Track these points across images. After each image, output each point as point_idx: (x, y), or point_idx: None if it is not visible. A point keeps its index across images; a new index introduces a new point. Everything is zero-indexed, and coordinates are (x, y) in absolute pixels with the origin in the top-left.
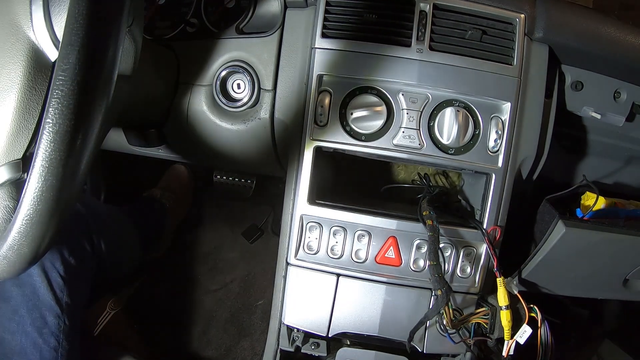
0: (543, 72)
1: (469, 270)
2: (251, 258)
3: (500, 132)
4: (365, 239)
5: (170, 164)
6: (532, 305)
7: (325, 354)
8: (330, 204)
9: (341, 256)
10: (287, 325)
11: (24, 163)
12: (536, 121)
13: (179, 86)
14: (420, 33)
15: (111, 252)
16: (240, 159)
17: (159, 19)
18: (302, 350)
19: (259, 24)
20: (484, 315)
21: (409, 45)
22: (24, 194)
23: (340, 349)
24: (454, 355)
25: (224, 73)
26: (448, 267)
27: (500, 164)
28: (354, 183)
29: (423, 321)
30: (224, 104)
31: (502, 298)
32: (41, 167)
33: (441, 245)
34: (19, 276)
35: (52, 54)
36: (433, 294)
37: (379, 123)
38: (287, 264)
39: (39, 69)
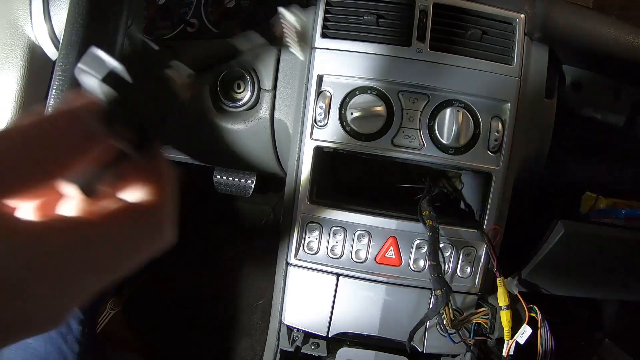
0: (543, 72)
1: (469, 270)
2: (251, 258)
3: (500, 132)
4: (365, 239)
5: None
6: (532, 305)
7: (325, 354)
8: (330, 204)
9: (341, 256)
10: (287, 325)
11: None
12: (536, 121)
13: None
14: (420, 33)
15: None
16: (240, 159)
17: (159, 19)
18: (302, 350)
19: (259, 24)
20: (484, 315)
21: (409, 45)
22: None
23: (340, 349)
24: (454, 355)
25: (224, 73)
26: (448, 267)
27: (500, 164)
28: (354, 183)
29: (423, 321)
30: (224, 104)
31: (502, 298)
32: None
33: (441, 245)
34: None
35: (52, 53)
36: (433, 294)
37: (378, 123)
38: (287, 264)
39: (39, 68)
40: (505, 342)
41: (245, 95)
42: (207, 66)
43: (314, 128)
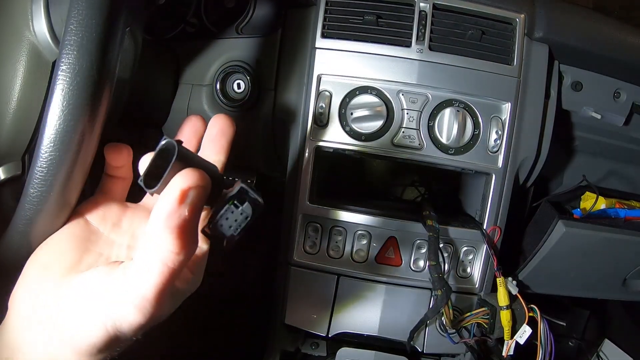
0: (543, 72)
1: (469, 270)
2: (251, 258)
3: (500, 132)
4: (366, 239)
5: None
6: (532, 305)
7: (325, 354)
8: (330, 203)
9: (341, 256)
10: (287, 325)
11: (24, 163)
12: (536, 121)
13: (179, 86)
14: (420, 33)
15: None
16: (240, 159)
17: (159, 19)
18: (302, 350)
19: (259, 24)
20: (484, 315)
21: (409, 46)
22: (24, 193)
23: (340, 349)
24: (453, 355)
25: (224, 73)
26: (448, 267)
27: (500, 164)
28: (354, 183)
29: (423, 321)
30: (224, 103)
31: (502, 298)
32: (40, 168)
33: (441, 245)
34: None
35: (52, 54)
36: (433, 294)
37: (378, 123)
38: (288, 264)
39: (38, 68)
40: (505, 342)
41: (245, 95)
42: None
43: (314, 128)
